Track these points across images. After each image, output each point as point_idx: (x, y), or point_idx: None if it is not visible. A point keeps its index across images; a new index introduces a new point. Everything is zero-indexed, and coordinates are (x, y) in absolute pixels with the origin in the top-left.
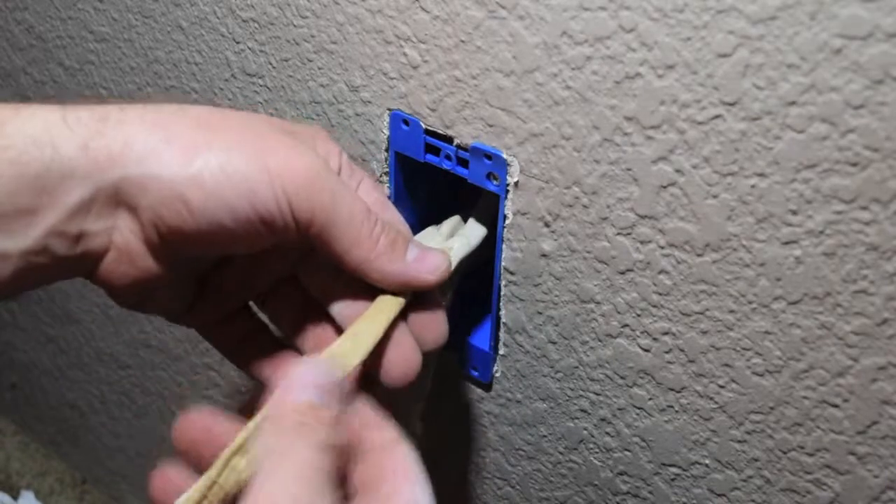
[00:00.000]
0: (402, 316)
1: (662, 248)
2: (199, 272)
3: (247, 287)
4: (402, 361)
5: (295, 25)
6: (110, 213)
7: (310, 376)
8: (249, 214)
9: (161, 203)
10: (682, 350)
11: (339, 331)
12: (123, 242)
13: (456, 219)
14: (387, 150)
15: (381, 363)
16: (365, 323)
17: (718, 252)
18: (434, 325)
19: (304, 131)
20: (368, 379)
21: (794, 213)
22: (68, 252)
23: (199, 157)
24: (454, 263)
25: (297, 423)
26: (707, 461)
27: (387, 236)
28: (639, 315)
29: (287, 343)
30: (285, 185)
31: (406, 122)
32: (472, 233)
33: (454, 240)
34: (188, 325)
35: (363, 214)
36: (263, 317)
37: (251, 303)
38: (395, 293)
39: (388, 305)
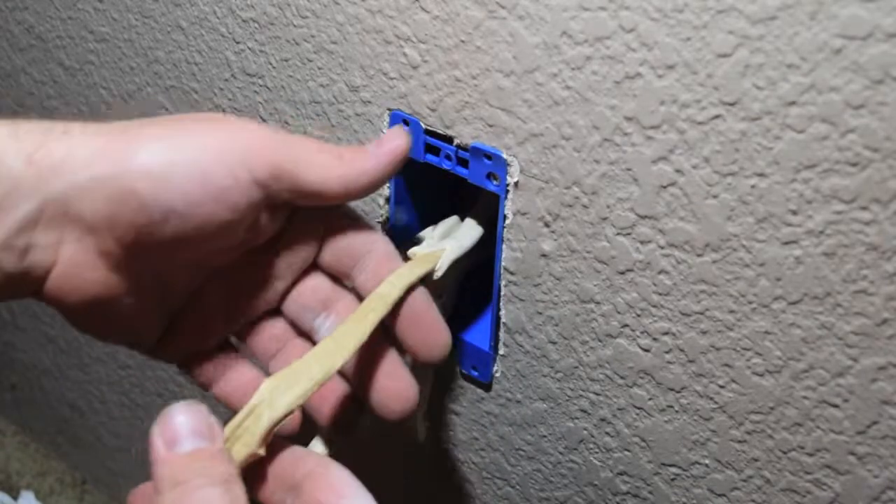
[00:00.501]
0: (400, 333)
1: (662, 248)
2: (170, 302)
3: (224, 320)
4: (397, 397)
5: (295, 25)
6: (58, 225)
7: (186, 424)
8: (203, 194)
9: (110, 202)
10: (682, 350)
11: None
12: (71, 255)
13: (453, 219)
14: None
15: (374, 397)
16: (350, 324)
17: (718, 252)
18: (433, 338)
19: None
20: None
21: (794, 213)
22: (15, 268)
23: (142, 148)
24: (446, 265)
25: (191, 470)
26: (707, 461)
27: (347, 149)
28: (639, 315)
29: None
30: (237, 152)
31: (406, 122)
32: (466, 234)
33: (447, 241)
34: (162, 359)
35: (317, 144)
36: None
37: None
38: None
39: (376, 305)
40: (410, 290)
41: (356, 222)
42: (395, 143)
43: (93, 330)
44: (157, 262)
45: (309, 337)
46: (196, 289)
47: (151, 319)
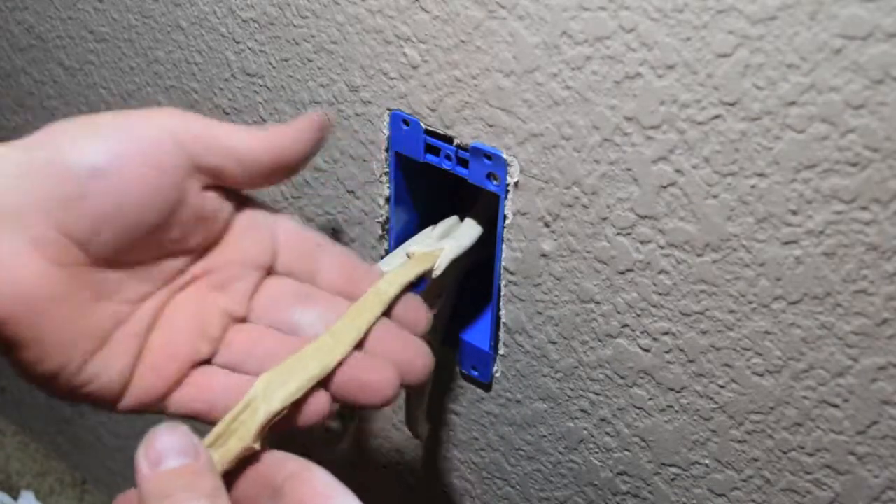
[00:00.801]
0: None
1: (662, 248)
2: (132, 323)
3: (191, 338)
4: (374, 392)
5: (295, 25)
6: None
7: (170, 444)
8: (127, 149)
9: (34, 177)
10: (682, 350)
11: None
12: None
13: (453, 219)
14: (387, 150)
15: (349, 387)
16: (346, 321)
17: (718, 252)
18: (417, 359)
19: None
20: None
21: (794, 213)
22: None
23: (61, 128)
24: (444, 264)
25: (176, 485)
26: (707, 461)
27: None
28: (639, 315)
29: None
30: (160, 118)
31: (406, 122)
32: (465, 234)
33: (445, 241)
34: (132, 409)
35: (244, 127)
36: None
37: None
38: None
39: (373, 302)
40: (408, 287)
41: (302, 228)
42: (314, 115)
43: (47, 378)
44: (102, 249)
45: (291, 332)
46: (158, 305)
47: (116, 355)
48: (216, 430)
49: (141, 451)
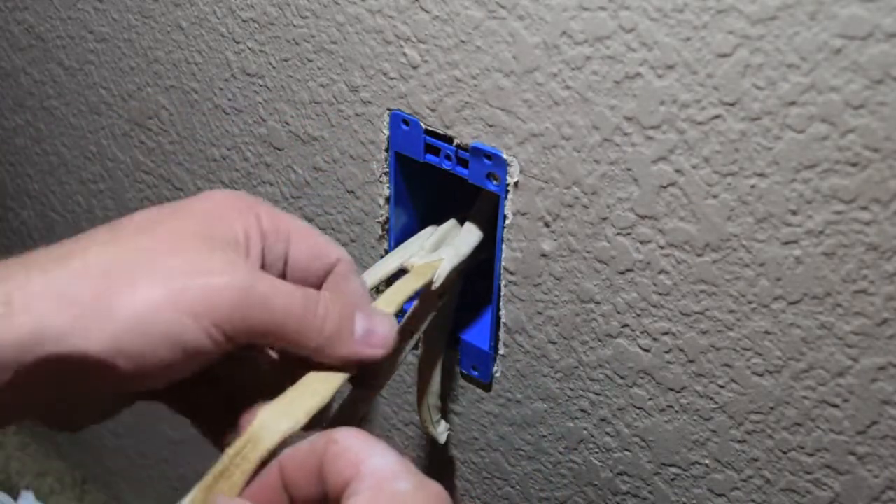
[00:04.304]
0: None
1: (662, 248)
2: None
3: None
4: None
5: (295, 25)
6: (29, 386)
7: (396, 470)
8: (181, 358)
9: (86, 374)
10: (682, 350)
11: None
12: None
13: (451, 223)
14: (387, 150)
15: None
16: (309, 384)
17: (718, 252)
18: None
19: (218, 220)
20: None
21: (794, 213)
22: None
23: (117, 321)
24: (443, 276)
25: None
26: (707, 461)
27: (331, 320)
28: (639, 315)
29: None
30: (213, 319)
31: (406, 122)
32: (464, 241)
33: (443, 250)
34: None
35: (300, 308)
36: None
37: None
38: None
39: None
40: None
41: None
42: (379, 342)
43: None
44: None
45: None
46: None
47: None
48: (219, 466)
49: (370, 471)
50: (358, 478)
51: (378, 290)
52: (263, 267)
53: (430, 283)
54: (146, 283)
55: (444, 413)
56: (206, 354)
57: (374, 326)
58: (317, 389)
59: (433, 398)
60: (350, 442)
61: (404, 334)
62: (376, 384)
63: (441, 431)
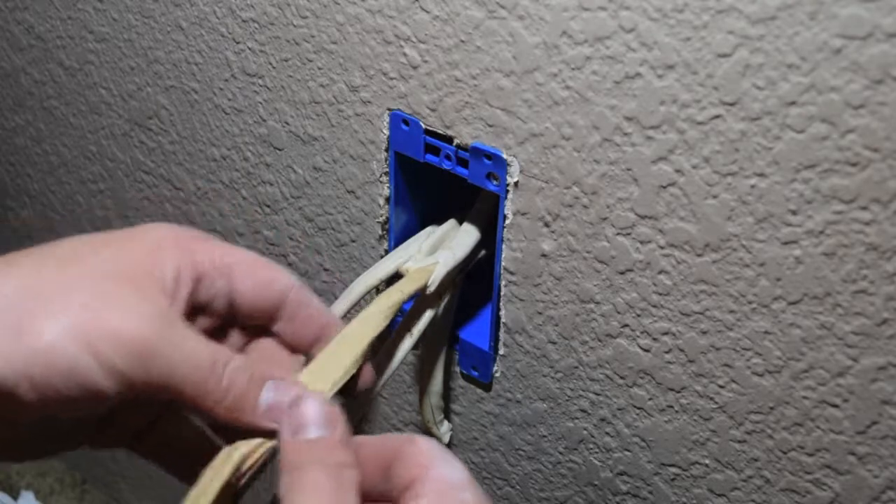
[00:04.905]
0: None
1: (662, 248)
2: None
3: (116, 430)
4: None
5: (295, 25)
6: None
7: (313, 415)
8: (82, 395)
9: None
10: (682, 350)
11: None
12: None
13: (449, 224)
14: (387, 150)
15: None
16: (328, 359)
17: (718, 252)
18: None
19: (149, 259)
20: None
21: (794, 213)
22: None
23: (26, 348)
24: (438, 280)
25: (308, 456)
26: (707, 461)
27: (235, 391)
28: (639, 315)
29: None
30: (114, 364)
31: (406, 122)
32: (461, 244)
33: (440, 254)
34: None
35: (205, 372)
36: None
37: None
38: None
39: (355, 338)
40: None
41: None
42: (282, 417)
43: None
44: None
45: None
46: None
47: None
48: (196, 491)
49: (286, 417)
50: (424, 480)
51: (378, 290)
52: (200, 307)
53: (424, 288)
54: (58, 316)
55: (446, 413)
56: (108, 397)
57: (281, 399)
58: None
59: (435, 398)
60: (426, 446)
61: (400, 334)
62: (366, 398)
63: (444, 432)
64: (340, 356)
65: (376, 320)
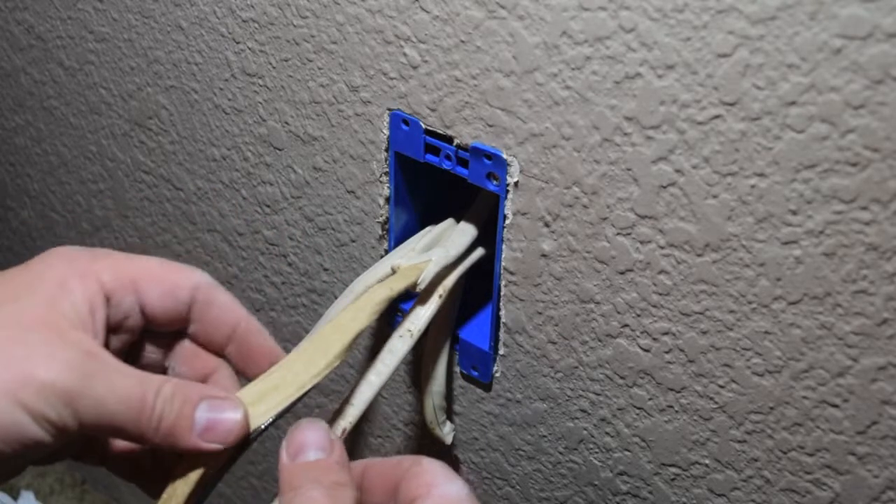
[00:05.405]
0: None
1: (662, 248)
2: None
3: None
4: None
5: (295, 25)
6: None
7: (311, 439)
8: (20, 448)
9: None
10: (682, 350)
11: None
12: None
13: (447, 223)
14: (387, 150)
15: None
16: (311, 354)
17: (718, 252)
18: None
19: (61, 296)
20: None
21: (794, 213)
22: None
23: None
24: (429, 277)
25: (305, 476)
26: (707, 461)
27: (168, 416)
28: (639, 315)
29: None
30: (46, 414)
31: (406, 122)
32: (455, 242)
33: (433, 252)
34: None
35: (137, 402)
36: None
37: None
38: None
39: (341, 334)
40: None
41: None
42: (220, 436)
43: None
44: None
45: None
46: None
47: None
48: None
49: (284, 442)
50: (427, 498)
51: None
52: (116, 326)
53: (414, 285)
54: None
55: (447, 413)
56: (47, 445)
57: (216, 419)
58: (282, 389)
59: (438, 399)
60: (431, 466)
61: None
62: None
63: (447, 432)
64: (310, 357)
65: (360, 317)
